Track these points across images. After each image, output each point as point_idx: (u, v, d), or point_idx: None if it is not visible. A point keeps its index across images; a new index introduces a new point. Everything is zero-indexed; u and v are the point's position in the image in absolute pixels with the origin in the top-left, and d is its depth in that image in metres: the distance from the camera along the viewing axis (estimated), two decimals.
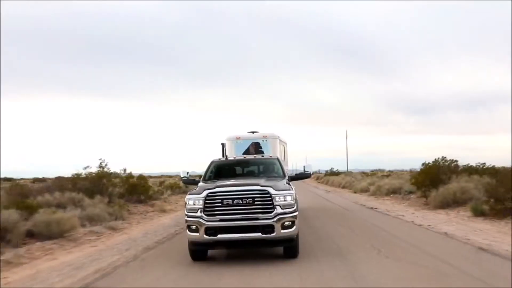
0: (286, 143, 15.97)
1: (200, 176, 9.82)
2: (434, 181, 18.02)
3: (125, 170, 19.59)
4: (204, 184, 8.34)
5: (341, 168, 70.98)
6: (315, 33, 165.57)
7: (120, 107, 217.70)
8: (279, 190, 7.44)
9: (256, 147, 13.34)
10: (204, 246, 7.65)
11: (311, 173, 10.07)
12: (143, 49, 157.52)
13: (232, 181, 8.16)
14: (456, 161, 19.38)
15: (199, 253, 7.94)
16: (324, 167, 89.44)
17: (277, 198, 7.31)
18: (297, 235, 7.71)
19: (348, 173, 61.01)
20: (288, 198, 7.43)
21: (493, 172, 17.68)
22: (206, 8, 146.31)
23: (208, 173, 9.34)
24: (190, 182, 9.57)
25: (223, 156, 12.81)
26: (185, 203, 7.72)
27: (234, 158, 10.68)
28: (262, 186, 7.45)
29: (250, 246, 7.74)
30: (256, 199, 7.27)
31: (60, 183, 17.63)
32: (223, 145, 14.30)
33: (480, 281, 6.17)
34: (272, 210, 7.25)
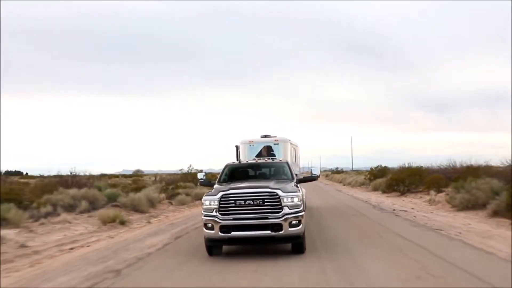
0: (297, 146, 16.56)
1: (215, 177, 10.33)
2: (373, 175, 30.87)
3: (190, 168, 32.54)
4: (219, 186, 8.84)
5: (357, 164, 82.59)
6: (331, 30, 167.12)
7: (137, 106, 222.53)
8: (287, 192, 7.91)
9: (268, 150, 13.75)
10: (219, 242, 8.15)
11: (318, 174, 10.61)
12: (158, 48, 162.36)
13: (244, 184, 8.64)
14: (385, 166, 32.55)
15: (215, 249, 8.40)
16: (339, 164, 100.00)
17: (285, 199, 7.78)
18: (304, 233, 8.12)
19: (350, 171, 72.78)
20: (295, 200, 7.89)
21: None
22: (222, 7, 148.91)
23: (223, 176, 9.87)
24: (207, 184, 10.11)
25: (237, 157, 13.71)
26: (202, 204, 8.24)
27: (247, 161, 11.21)
28: (271, 188, 7.93)
29: (260, 242, 8.27)
30: (266, 200, 7.77)
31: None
32: (237, 147, 14.83)
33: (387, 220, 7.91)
34: (281, 210, 7.70)
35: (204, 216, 7.97)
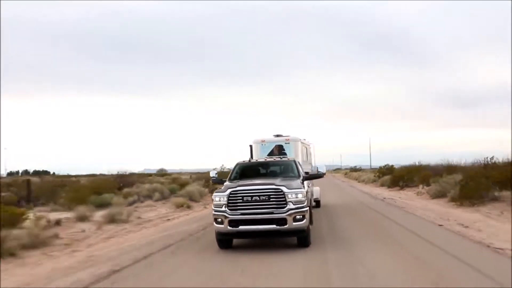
0: (309, 145, 17.07)
1: (227, 175, 10.70)
2: (382, 173, 35.62)
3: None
4: (229, 183, 9.23)
5: (378, 162, 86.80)
6: (350, 26, 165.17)
7: (155, 106, 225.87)
8: (291, 189, 8.30)
9: (279, 149, 14.17)
10: (228, 236, 8.60)
11: (324, 172, 11.05)
12: (170, 48, 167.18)
13: (251, 181, 9.10)
14: (392, 165, 37.15)
15: (225, 242, 8.82)
16: (361, 162, 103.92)
17: (289, 196, 8.16)
18: (308, 227, 8.52)
19: (367, 169, 76.90)
20: (299, 196, 8.27)
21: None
22: (235, 6, 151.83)
23: (234, 174, 10.32)
24: (218, 181, 10.47)
25: (251, 156, 14.33)
26: (213, 200, 8.76)
27: (256, 160, 11.62)
28: (276, 185, 8.32)
29: (266, 236, 8.72)
30: (271, 196, 8.18)
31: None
32: (251, 146, 15.31)
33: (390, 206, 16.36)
34: (285, 205, 8.10)
35: (214, 211, 8.53)
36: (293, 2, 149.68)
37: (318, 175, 10.77)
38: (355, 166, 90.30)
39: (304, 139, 16.17)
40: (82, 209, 13.60)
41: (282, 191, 8.18)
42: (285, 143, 14.25)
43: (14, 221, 9.95)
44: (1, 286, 5.41)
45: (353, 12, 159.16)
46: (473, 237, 8.84)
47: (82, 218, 13.14)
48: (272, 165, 11.07)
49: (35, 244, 9.12)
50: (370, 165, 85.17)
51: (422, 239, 8.96)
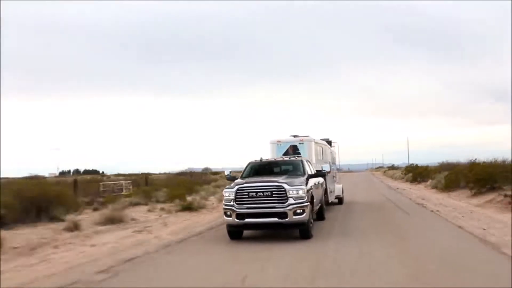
0: (325, 145, 17.67)
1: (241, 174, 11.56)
2: (407, 171, 43.19)
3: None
4: (239, 180, 10.13)
5: (419, 160, 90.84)
6: (390, 22, 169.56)
7: (196, 105, 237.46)
8: (292, 186, 9.16)
9: (293, 149, 14.73)
10: (236, 227, 9.54)
11: (328, 170, 12.44)
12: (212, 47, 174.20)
13: (258, 179, 10.03)
14: (416, 164, 44.40)
15: (234, 233, 9.74)
16: (402, 159, 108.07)
17: (290, 192, 9.03)
18: (309, 220, 9.32)
19: (410, 167, 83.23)
20: (300, 192, 9.14)
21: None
22: (276, 6, 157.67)
23: (246, 172, 11.33)
24: (231, 179, 11.07)
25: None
26: (223, 195, 9.71)
27: (267, 160, 12.18)
28: (278, 182, 9.22)
29: (269, 228, 9.76)
30: (273, 192, 9.07)
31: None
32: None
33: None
34: (286, 201, 8.99)
35: (224, 205, 9.43)
36: (331, 2, 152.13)
37: (321, 173, 11.99)
38: (393, 165, 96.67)
39: (319, 140, 16.72)
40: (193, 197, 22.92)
41: (283, 187, 9.08)
42: (299, 143, 14.89)
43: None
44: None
45: (389, 8, 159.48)
46: (421, 204, 17.25)
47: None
48: (281, 164, 11.97)
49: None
50: (408, 163, 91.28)
51: (394, 205, 17.57)
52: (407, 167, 47.94)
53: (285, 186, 9.16)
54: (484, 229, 9.87)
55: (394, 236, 9.66)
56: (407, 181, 41.28)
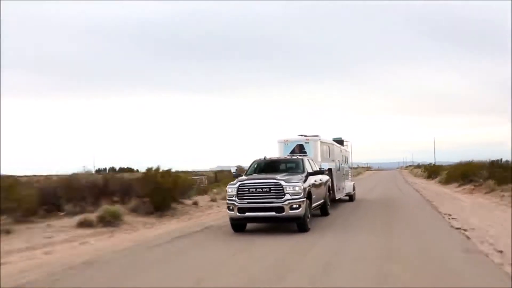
0: (332, 144, 17.79)
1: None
2: (426, 169, 50.55)
3: None
4: (242, 177, 10.78)
5: (450, 158, 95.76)
6: (418, 17, 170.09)
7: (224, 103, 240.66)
8: (289, 183, 9.86)
9: (300, 148, 15.10)
10: (238, 220, 10.26)
11: (326, 169, 12.96)
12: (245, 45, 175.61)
13: (258, 176, 10.86)
14: (434, 164, 51.36)
15: (237, 226, 10.46)
16: (430, 158, 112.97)
17: (287, 188, 9.71)
18: (305, 215, 9.99)
19: (428, 166, 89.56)
20: (296, 188, 9.82)
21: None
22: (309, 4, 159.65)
23: (250, 169, 12.06)
24: (237, 175, 11.45)
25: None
26: (226, 191, 10.46)
27: (270, 158, 12.64)
28: (276, 179, 9.90)
29: (268, 221, 10.61)
30: (271, 188, 9.79)
31: None
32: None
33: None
34: (283, 196, 9.69)
35: (227, 200, 10.31)
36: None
37: (320, 171, 12.28)
38: (419, 163, 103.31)
39: (327, 139, 16.92)
40: None
41: (280, 184, 9.77)
42: (305, 142, 15.26)
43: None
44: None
45: (418, 4, 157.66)
46: (419, 191, 25.15)
47: None
48: (283, 162, 12.53)
49: None
50: (435, 161, 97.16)
51: (401, 192, 25.57)
52: (425, 166, 54.91)
53: (283, 183, 9.81)
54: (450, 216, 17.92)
55: (383, 225, 11.23)
56: (424, 178, 48.58)
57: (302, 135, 15.82)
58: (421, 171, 55.17)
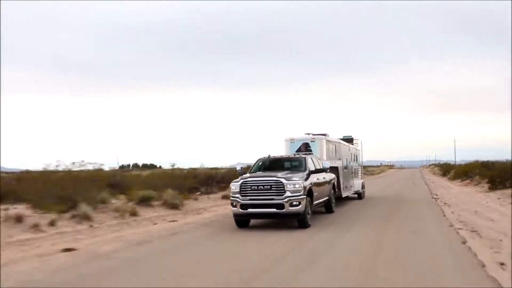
0: (339, 143, 17.69)
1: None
2: (441, 168, 57.75)
3: None
4: (245, 175, 11.14)
5: (478, 157, 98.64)
6: (447, 15, 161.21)
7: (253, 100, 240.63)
8: (290, 180, 10.20)
9: (306, 147, 15.24)
10: (240, 216, 10.66)
11: (327, 167, 13.10)
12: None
13: (260, 173, 11.31)
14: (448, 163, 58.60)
15: (241, 222, 10.84)
16: (459, 156, 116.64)
17: (288, 186, 10.06)
18: (305, 211, 10.31)
19: (444, 165, 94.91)
20: (297, 186, 10.16)
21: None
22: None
23: (254, 167, 12.42)
24: (242, 173, 11.81)
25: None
26: (230, 188, 10.95)
27: (274, 156, 12.90)
28: (277, 177, 10.27)
29: (269, 217, 10.97)
30: (272, 186, 10.15)
31: None
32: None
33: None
34: (283, 193, 10.04)
35: (231, 197, 10.72)
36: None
37: (322, 170, 12.64)
38: (438, 162, 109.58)
39: (331, 138, 16.78)
40: None
41: (281, 182, 10.15)
42: (311, 141, 15.42)
43: None
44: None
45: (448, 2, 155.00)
46: (428, 185, 33.08)
47: None
48: (286, 160, 12.88)
49: None
50: (455, 160, 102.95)
51: (414, 185, 33.69)
52: (441, 165, 62.08)
53: (283, 180, 10.15)
54: (436, 195, 25.92)
55: (382, 221, 11.73)
56: (440, 175, 55.84)
57: (308, 134, 16.05)
58: (437, 169, 62.24)
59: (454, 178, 37.89)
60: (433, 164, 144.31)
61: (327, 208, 13.62)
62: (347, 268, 6.36)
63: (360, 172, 21.75)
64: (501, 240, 8.12)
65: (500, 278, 5.48)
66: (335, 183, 14.62)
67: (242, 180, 10.58)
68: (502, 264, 6.24)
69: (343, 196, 16.45)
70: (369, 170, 67.82)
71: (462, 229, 9.61)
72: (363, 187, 20.56)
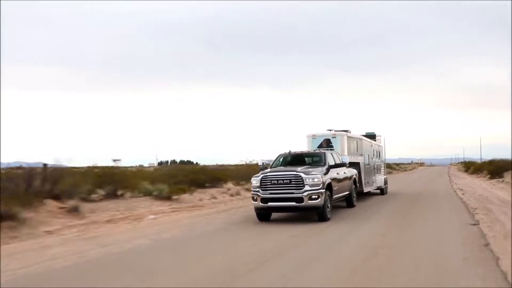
0: (361, 139, 17.76)
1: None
2: (465, 166, 68.50)
3: None
4: (266, 170, 11.36)
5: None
6: (473, 10, 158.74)
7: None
8: (309, 175, 10.36)
9: (327, 143, 15.39)
10: (261, 210, 10.86)
11: (347, 162, 13.32)
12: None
13: (280, 168, 11.56)
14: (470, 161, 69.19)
15: (262, 215, 11.05)
16: (487, 154, 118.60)
17: (307, 180, 10.24)
18: (324, 205, 10.46)
19: (470, 162, 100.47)
20: (315, 180, 10.31)
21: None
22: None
23: (275, 162, 12.67)
24: (263, 168, 12.01)
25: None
26: (251, 182, 11.07)
27: (294, 152, 13.17)
28: (297, 172, 10.47)
29: (288, 210, 11.10)
30: (292, 180, 10.34)
31: None
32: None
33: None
34: (302, 187, 10.22)
35: (252, 191, 10.91)
36: None
37: (341, 164, 12.78)
38: (465, 160, 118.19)
39: (353, 134, 16.88)
40: None
41: (300, 176, 10.36)
42: (332, 137, 15.60)
43: None
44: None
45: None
46: (450, 177, 44.28)
47: None
48: (306, 155, 13.26)
49: None
50: (481, 158, 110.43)
51: (440, 176, 45.15)
52: (466, 163, 73.19)
53: (302, 175, 10.40)
54: (452, 181, 37.59)
55: (398, 217, 11.80)
56: (463, 171, 66.41)
57: (330, 130, 16.13)
58: (461, 166, 72.93)
59: (472, 173, 48.70)
60: (460, 162, 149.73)
61: (348, 202, 13.88)
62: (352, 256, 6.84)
63: (383, 168, 22.00)
64: (475, 193, 19.58)
65: (467, 201, 16.98)
66: (356, 178, 14.81)
67: (262, 175, 10.81)
68: (462, 195, 18.22)
69: (364, 191, 16.79)
70: (402, 167, 78.32)
71: (460, 189, 21.64)
72: (385, 182, 20.92)
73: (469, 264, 6.03)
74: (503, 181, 26.98)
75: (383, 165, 22.26)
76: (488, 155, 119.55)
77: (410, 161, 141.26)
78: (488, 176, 34.51)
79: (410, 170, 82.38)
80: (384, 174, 21.77)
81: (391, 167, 65.51)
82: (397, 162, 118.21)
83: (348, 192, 13.48)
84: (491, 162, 41.84)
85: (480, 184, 26.77)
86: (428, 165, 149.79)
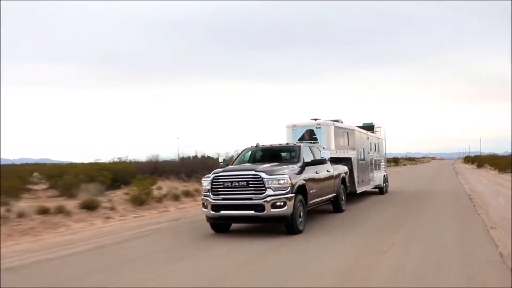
0: (353, 130, 15.09)
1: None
2: (469, 160, 68.02)
3: None
4: (218, 169, 8.97)
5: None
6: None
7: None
8: (272, 175, 8.07)
9: (310, 134, 13.27)
10: (212, 220, 8.61)
11: (327, 158, 10.62)
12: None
13: (234, 167, 9.21)
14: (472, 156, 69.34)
15: (216, 226, 8.87)
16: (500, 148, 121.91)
17: (269, 182, 7.96)
18: (294, 214, 8.18)
19: (473, 157, 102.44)
20: (281, 182, 8.03)
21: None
22: None
23: (238, 159, 10.49)
24: (225, 166, 9.91)
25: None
26: (202, 185, 8.82)
27: (263, 145, 10.72)
28: (256, 171, 8.16)
29: (247, 221, 8.87)
30: (250, 182, 8.05)
31: None
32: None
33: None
34: (263, 192, 7.94)
35: (202, 195, 8.68)
36: None
37: (320, 161, 10.26)
38: (470, 153, 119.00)
39: (343, 124, 14.30)
40: None
41: (260, 177, 8.06)
42: (316, 127, 13.27)
43: None
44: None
45: None
46: (455, 169, 47.32)
47: None
48: (277, 150, 10.71)
49: None
50: (480, 152, 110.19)
51: (444, 167, 50.13)
52: (470, 157, 75.00)
53: (263, 175, 8.10)
54: (455, 168, 38.43)
55: (392, 227, 8.99)
56: (469, 164, 67.25)
57: (314, 119, 13.77)
58: (466, 160, 76.46)
59: (477, 166, 50.34)
60: (468, 156, 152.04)
61: (335, 206, 11.62)
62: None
63: (383, 163, 18.94)
64: (468, 179, 23.36)
65: (463, 182, 19.15)
66: (346, 177, 12.51)
67: (213, 175, 8.58)
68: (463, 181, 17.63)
69: (357, 192, 14.47)
70: (416, 160, 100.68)
71: (457, 173, 26.46)
72: (385, 180, 17.90)
73: None
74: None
75: (383, 161, 19.06)
76: (502, 148, 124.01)
77: (422, 156, 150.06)
78: (487, 167, 39.75)
79: (425, 163, 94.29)
80: (385, 171, 18.66)
81: (412, 159, 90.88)
82: (410, 156, 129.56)
83: (334, 195, 11.18)
84: (490, 156, 44.70)
85: (478, 172, 32.04)
86: (439, 159, 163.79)
